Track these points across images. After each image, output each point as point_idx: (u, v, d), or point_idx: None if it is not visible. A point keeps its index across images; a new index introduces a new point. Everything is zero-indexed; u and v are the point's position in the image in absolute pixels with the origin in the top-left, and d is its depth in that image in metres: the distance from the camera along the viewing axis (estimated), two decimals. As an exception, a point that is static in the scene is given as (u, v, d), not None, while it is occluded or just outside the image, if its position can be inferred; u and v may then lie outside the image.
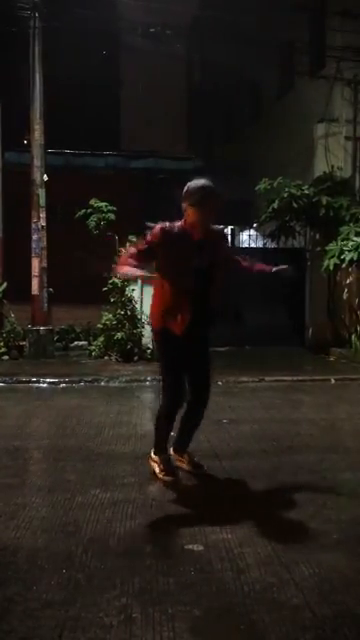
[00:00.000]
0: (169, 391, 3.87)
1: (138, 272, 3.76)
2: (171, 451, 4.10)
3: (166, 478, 3.87)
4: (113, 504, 3.55)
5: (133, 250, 3.90)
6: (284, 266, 4.17)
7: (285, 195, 10.40)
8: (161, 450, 4.01)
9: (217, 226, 4.03)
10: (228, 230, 14.79)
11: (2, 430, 5.39)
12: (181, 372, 3.87)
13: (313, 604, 2.46)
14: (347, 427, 5.84)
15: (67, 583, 2.62)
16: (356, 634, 2.27)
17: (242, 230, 14.71)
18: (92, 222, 9.37)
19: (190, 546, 2.98)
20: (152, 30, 11.45)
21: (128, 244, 9.65)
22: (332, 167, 11.21)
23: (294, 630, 2.28)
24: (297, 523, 3.28)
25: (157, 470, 3.94)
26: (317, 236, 11.31)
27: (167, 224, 3.81)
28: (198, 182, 3.77)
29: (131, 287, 9.84)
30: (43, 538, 3.09)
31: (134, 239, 9.70)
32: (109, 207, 9.43)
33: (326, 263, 9.91)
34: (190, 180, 3.86)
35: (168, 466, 3.95)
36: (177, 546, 2.98)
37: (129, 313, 9.54)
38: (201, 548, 2.96)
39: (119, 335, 9.38)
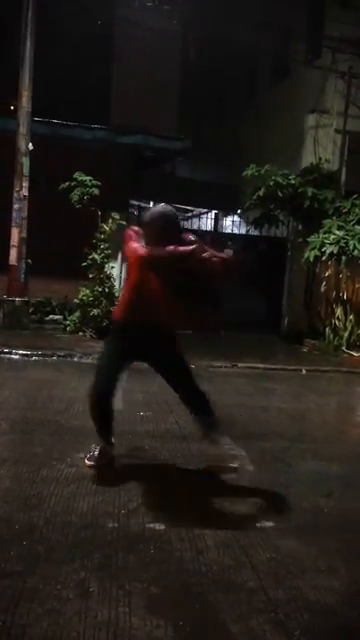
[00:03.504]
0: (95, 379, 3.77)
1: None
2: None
3: (87, 463, 3.74)
4: (78, 479, 3.55)
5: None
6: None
7: (271, 183, 10.40)
8: (101, 437, 3.81)
9: (190, 236, 3.73)
10: (212, 214, 14.78)
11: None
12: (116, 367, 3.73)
13: (268, 588, 2.51)
14: (315, 417, 5.93)
15: (27, 554, 2.62)
16: (308, 619, 2.32)
17: (226, 215, 14.70)
18: (75, 195, 9.25)
19: (152, 525, 3.00)
20: (149, 4, 11.25)
21: (110, 220, 9.58)
22: (320, 159, 11.23)
23: (248, 612, 2.32)
24: (258, 508, 3.33)
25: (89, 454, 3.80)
26: (300, 227, 11.35)
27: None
28: (155, 211, 3.58)
29: (111, 264, 9.77)
30: (5, 509, 3.08)
31: (117, 216, 9.63)
32: (93, 181, 9.31)
33: (307, 254, 9.97)
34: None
35: (97, 456, 3.77)
36: (139, 524, 3.00)
37: (107, 290, 9.48)
38: (162, 527, 2.99)
39: (95, 311, 9.33)
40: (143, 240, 3.56)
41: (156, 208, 3.70)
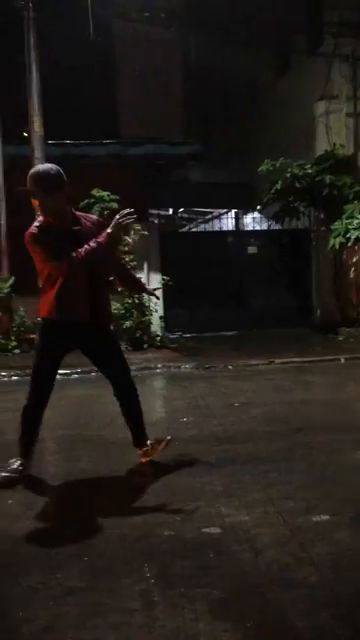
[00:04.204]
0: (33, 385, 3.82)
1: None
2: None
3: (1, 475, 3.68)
4: (128, 491, 3.59)
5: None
6: (157, 287, 4.01)
7: (287, 176, 10.35)
8: (21, 452, 3.79)
9: (92, 215, 3.87)
10: (232, 214, 14.77)
11: (17, 422, 5.44)
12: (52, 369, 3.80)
13: (330, 582, 2.50)
14: (359, 406, 5.86)
15: (88, 570, 2.66)
16: (374, 609, 2.30)
17: (245, 213, 14.67)
18: (96, 212, 9.37)
19: (207, 529, 3.01)
20: (146, 14, 11.34)
21: (132, 232, 9.66)
22: (334, 145, 11.13)
23: (313, 608, 2.32)
24: (312, 503, 3.31)
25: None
26: (321, 216, 11.27)
27: (35, 226, 3.57)
28: (39, 167, 3.58)
29: (138, 275, 9.85)
30: (62, 527, 3.14)
31: (138, 227, 9.71)
32: (111, 196, 9.43)
33: (332, 242, 9.88)
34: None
35: (11, 473, 3.71)
36: (194, 530, 3.02)
37: (137, 301, 9.56)
38: (218, 531, 3.00)
39: (128, 323, 9.41)
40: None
41: (32, 170, 3.60)
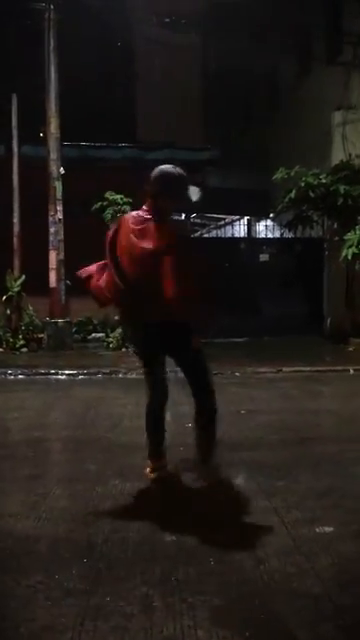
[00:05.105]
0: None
1: None
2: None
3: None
4: (133, 494, 3.57)
5: None
6: None
7: (302, 184, 10.33)
8: (152, 454, 3.68)
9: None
10: (244, 220, 14.73)
11: (22, 421, 5.45)
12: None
13: (333, 594, 2.46)
14: (366, 417, 5.80)
15: (88, 572, 2.64)
16: (377, 624, 2.26)
17: (259, 220, 14.65)
18: (108, 215, 9.39)
19: (210, 536, 2.98)
20: (167, 20, 11.39)
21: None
22: (350, 155, 11.10)
23: (314, 619, 2.28)
24: (317, 513, 3.27)
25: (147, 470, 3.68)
26: (335, 225, 11.22)
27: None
28: (173, 170, 3.45)
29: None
30: (64, 528, 3.12)
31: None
32: (125, 199, 9.44)
33: (344, 253, 9.83)
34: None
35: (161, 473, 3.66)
36: (197, 536, 2.99)
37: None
38: (220, 537, 2.97)
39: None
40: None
41: (159, 168, 3.50)
